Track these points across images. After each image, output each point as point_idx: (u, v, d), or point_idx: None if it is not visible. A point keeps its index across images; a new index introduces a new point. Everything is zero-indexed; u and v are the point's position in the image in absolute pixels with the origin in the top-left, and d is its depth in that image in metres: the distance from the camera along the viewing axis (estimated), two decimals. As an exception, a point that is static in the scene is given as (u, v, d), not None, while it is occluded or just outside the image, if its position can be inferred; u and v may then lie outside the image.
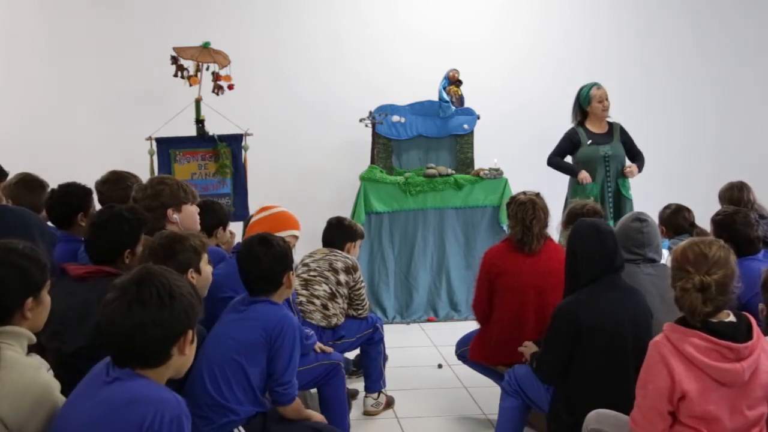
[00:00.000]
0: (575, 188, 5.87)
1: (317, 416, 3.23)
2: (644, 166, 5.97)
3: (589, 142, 5.84)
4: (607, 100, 5.86)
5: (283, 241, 3.15)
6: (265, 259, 3.03)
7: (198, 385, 2.89)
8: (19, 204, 3.95)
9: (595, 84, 5.89)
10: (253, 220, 4.12)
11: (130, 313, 1.96)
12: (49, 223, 3.99)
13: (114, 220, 3.06)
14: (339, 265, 4.29)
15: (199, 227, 3.85)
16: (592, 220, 3.52)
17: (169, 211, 3.59)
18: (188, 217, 3.71)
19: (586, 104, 5.90)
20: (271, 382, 2.97)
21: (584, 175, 5.79)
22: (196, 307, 2.10)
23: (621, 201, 5.86)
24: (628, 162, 5.95)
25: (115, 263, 2.99)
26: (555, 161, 5.96)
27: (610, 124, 5.96)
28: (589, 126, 5.92)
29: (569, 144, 5.93)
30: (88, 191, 3.93)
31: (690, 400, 2.54)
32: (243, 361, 2.90)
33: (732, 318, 2.59)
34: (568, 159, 5.99)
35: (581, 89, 5.94)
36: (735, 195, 4.82)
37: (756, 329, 2.60)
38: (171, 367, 2.06)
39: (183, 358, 2.07)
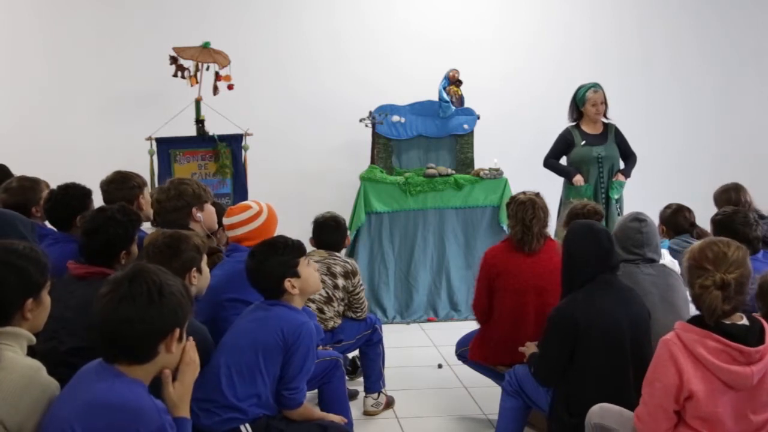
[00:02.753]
0: (569, 189, 5.88)
1: (331, 417, 3.21)
2: (634, 167, 5.94)
3: (583, 142, 5.84)
4: (602, 104, 5.83)
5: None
6: (256, 262, 3.07)
7: (212, 379, 2.88)
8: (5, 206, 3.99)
9: (593, 86, 5.86)
10: (238, 233, 3.66)
11: (120, 307, 2.02)
12: (48, 224, 4.00)
13: (106, 225, 3.07)
14: (338, 269, 4.27)
15: (217, 225, 3.89)
16: (586, 221, 3.52)
17: (194, 210, 3.64)
18: (209, 215, 3.79)
19: (581, 104, 5.89)
20: (279, 385, 2.97)
21: (578, 178, 5.80)
22: (186, 307, 2.13)
23: (609, 202, 5.84)
24: (621, 165, 5.95)
25: (112, 265, 3.00)
26: (550, 163, 5.97)
27: (606, 125, 5.95)
28: (583, 126, 5.92)
29: (563, 144, 5.93)
30: (87, 192, 3.91)
31: (696, 401, 2.53)
32: (261, 361, 2.91)
33: (745, 321, 2.58)
34: (563, 160, 5.99)
35: (579, 88, 5.93)
36: (732, 197, 4.79)
37: None
38: (158, 365, 2.10)
39: (170, 356, 2.11)
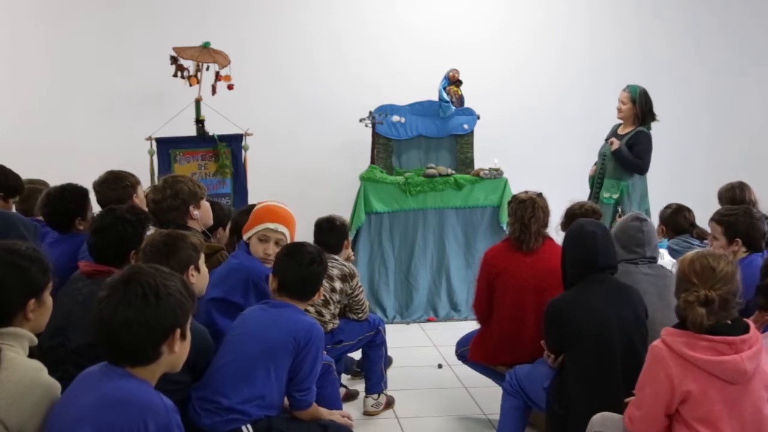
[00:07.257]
0: None
1: (336, 416, 3.19)
2: (632, 164, 5.57)
3: (606, 138, 5.80)
4: (623, 103, 5.63)
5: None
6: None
7: (215, 381, 2.88)
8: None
9: (627, 86, 5.69)
10: (267, 203, 3.75)
11: (117, 311, 2.00)
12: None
13: (116, 224, 3.06)
14: (335, 272, 4.24)
15: (212, 221, 3.87)
16: (580, 222, 3.54)
17: (191, 208, 3.62)
18: (205, 212, 3.77)
19: None
20: (290, 387, 2.97)
21: (591, 169, 5.83)
22: (186, 306, 2.11)
23: (600, 203, 5.62)
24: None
25: (122, 265, 2.99)
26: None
27: (637, 129, 5.65)
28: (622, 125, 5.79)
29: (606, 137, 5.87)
30: (85, 193, 3.90)
31: (692, 401, 2.53)
32: (270, 363, 2.90)
33: (727, 321, 2.60)
34: None
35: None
36: (737, 195, 4.81)
37: (753, 327, 2.60)
38: (162, 365, 2.08)
39: (174, 356, 2.10)
